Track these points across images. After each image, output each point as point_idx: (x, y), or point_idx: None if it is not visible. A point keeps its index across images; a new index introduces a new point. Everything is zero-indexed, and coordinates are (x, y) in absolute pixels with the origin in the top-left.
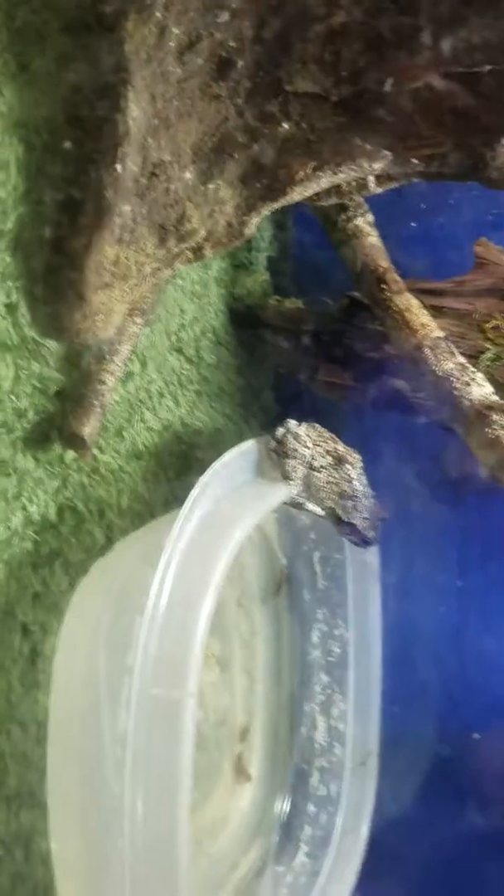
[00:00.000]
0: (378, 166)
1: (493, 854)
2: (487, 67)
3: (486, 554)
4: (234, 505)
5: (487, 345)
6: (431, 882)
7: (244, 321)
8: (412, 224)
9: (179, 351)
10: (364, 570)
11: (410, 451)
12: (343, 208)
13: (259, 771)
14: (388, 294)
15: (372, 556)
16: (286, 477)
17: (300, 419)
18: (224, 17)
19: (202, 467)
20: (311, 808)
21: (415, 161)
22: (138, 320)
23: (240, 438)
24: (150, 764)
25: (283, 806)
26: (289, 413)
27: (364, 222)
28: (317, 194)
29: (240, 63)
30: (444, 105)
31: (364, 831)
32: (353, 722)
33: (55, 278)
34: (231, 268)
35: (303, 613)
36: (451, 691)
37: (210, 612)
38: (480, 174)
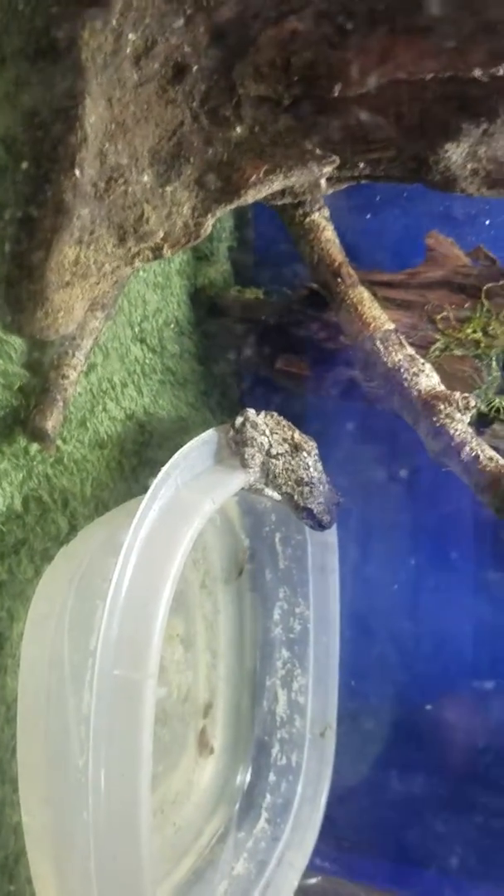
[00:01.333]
0: (327, 170)
1: (444, 818)
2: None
3: (438, 533)
4: (193, 492)
5: (437, 336)
6: (386, 845)
7: (206, 311)
8: (367, 216)
9: (142, 341)
10: (323, 550)
11: (366, 437)
12: (299, 204)
13: (222, 743)
14: (342, 287)
15: (331, 536)
16: (244, 465)
17: (261, 406)
18: (179, 22)
19: (165, 455)
20: (272, 777)
21: (362, 165)
22: (99, 315)
23: (203, 426)
24: (112, 741)
25: (244, 776)
26: (250, 400)
27: (320, 217)
28: (271, 194)
29: (194, 67)
30: (390, 110)
31: (322, 799)
32: (312, 695)
33: (17, 278)
34: (193, 259)
35: (265, 592)
36: (405, 665)
37: (169, 598)
38: (424, 177)
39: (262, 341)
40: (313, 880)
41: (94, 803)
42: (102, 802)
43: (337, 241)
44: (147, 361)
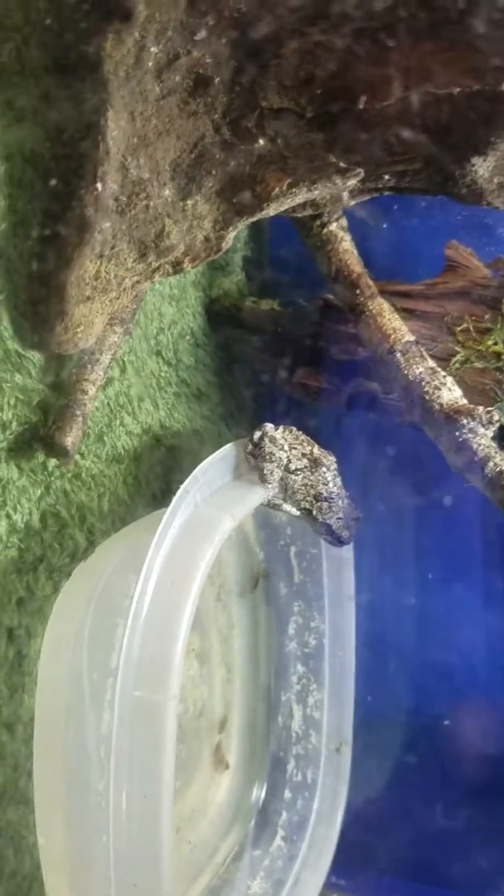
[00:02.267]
0: (351, 183)
1: (463, 836)
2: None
3: (455, 548)
4: (213, 509)
5: (457, 348)
6: (403, 865)
7: (221, 322)
8: (384, 225)
9: (158, 354)
10: (339, 565)
11: (384, 451)
12: (317, 214)
13: (237, 759)
14: (361, 299)
15: (346, 551)
16: (263, 480)
17: (277, 419)
18: (201, 34)
19: (181, 469)
20: (287, 794)
21: (387, 177)
22: (118, 330)
23: (218, 439)
24: (134, 764)
25: (260, 793)
26: (265, 412)
27: (338, 227)
28: (292, 207)
29: (216, 80)
30: (416, 123)
31: (339, 816)
32: (328, 710)
33: (37, 293)
34: (208, 269)
35: (279, 606)
36: (421, 680)
37: (191, 619)
38: (450, 190)
39: (278, 353)
40: None
41: (115, 827)
42: (123, 826)
43: (355, 251)
44: (163, 374)
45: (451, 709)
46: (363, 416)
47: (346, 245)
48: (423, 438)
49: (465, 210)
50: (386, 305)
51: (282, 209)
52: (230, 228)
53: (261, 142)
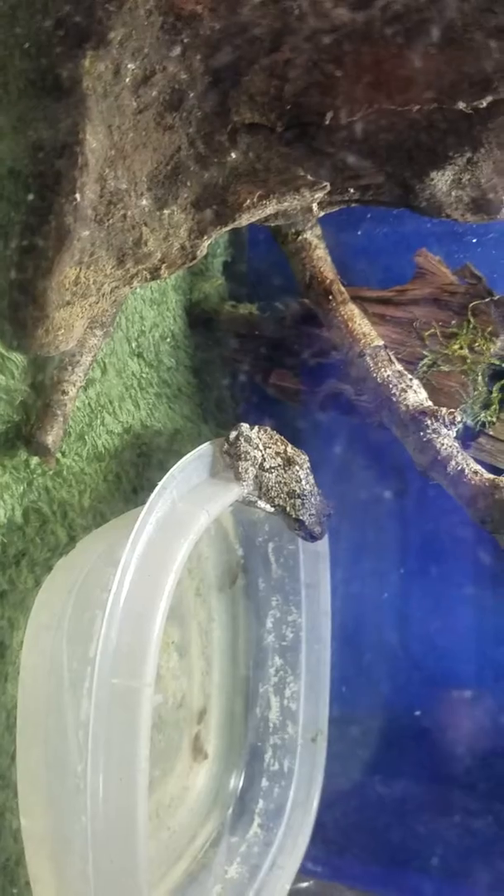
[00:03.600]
0: (318, 196)
1: (435, 822)
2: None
3: (426, 542)
4: (189, 505)
5: (425, 352)
6: (377, 851)
7: (201, 326)
8: (357, 233)
9: (139, 356)
10: (315, 560)
11: (357, 450)
12: (292, 222)
13: (216, 749)
14: (333, 304)
15: (322, 546)
16: (238, 478)
17: (254, 418)
18: (176, 51)
19: (161, 466)
20: (264, 782)
21: (352, 190)
22: (98, 333)
23: (198, 438)
24: (111, 747)
25: (238, 781)
26: (244, 413)
27: (312, 235)
28: (265, 217)
29: (191, 94)
30: (380, 138)
31: (314, 804)
32: (304, 701)
33: (19, 296)
34: (188, 274)
35: (258, 601)
36: (394, 671)
37: (166, 610)
38: (410, 203)
39: (256, 356)
40: (305, 884)
41: (93, 808)
42: (101, 807)
43: (328, 258)
44: (144, 375)
45: (424, 699)
46: (337, 416)
47: (320, 252)
48: (393, 438)
49: (434, 219)
50: (357, 311)
51: (254, 219)
52: (205, 237)
53: (233, 155)
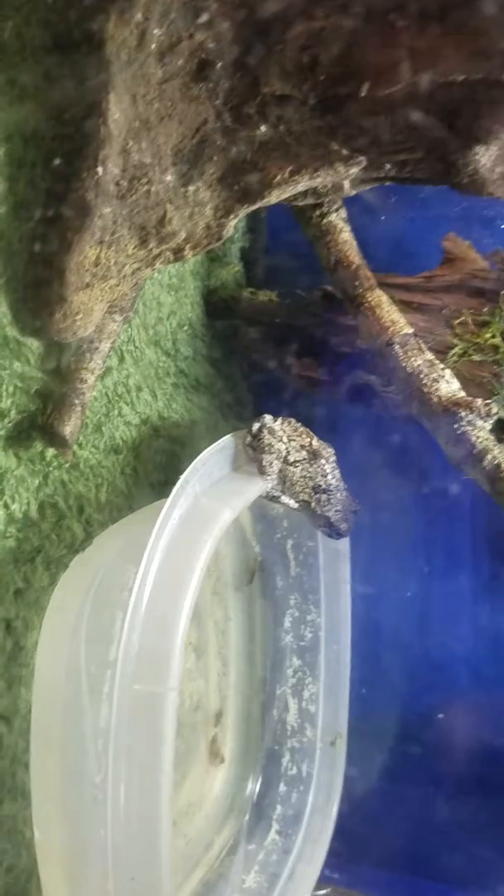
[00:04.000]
0: (353, 171)
1: (457, 829)
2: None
3: (451, 541)
4: (212, 501)
5: (455, 340)
6: (397, 859)
7: (219, 313)
8: (382, 217)
9: (157, 344)
10: (335, 557)
11: (379, 442)
12: (317, 205)
13: (232, 752)
14: (360, 290)
15: (343, 543)
16: (262, 472)
17: (273, 409)
18: (204, 17)
19: (179, 460)
20: (282, 787)
21: (388, 166)
22: (117, 318)
23: (215, 430)
24: (133, 757)
25: (255, 786)
26: (262, 403)
27: (338, 218)
28: (293, 196)
29: (218, 64)
30: (420, 110)
31: (333, 810)
32: (323, 704)
33: (36, 279)
34: (206, 259)
35: (275, 599)
36: (417, 673)
37: (190, 611)
38: (452, 180)
39: (276, 344)
40: (323, 892)
41: (114, 820)
42: (122, 820)
43: (354, 242)
44: (161, 365)
45: (446, 702)
46: (361, 407)
47: (346, 236)
48: (420, 430)
49: (463, 202)
50: (384, 297)
51: (283, 197)
52: (231, 216)
53: (263, 128)
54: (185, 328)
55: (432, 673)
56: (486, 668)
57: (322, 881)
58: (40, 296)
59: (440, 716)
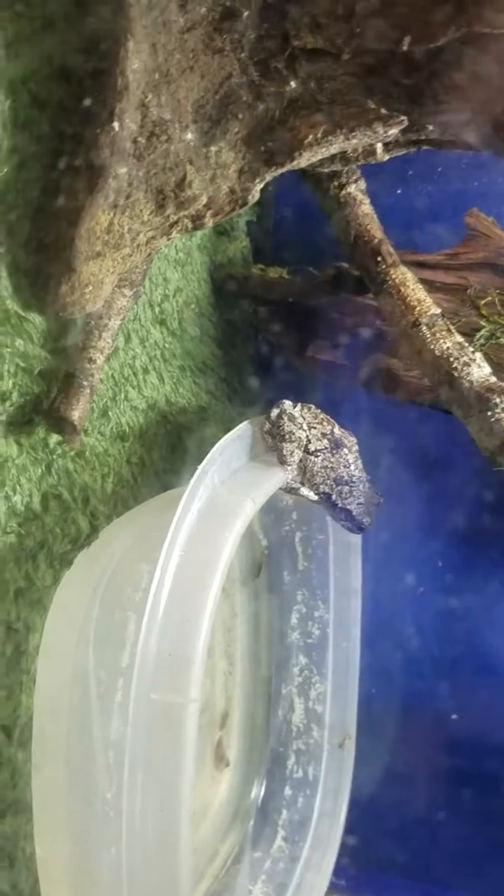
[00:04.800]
0: (393, 132)
1: (469, 835)
2: None
3: (468, 535)
4: (231, 493)
5: (482, 322)
6: (407, 865)
7: (227, 291)
8: (398, 191)
9: (163, 323)
10: (346, 551)
11: (399, 431)
12: (334, 174)
13: (237, 755)
14: (383, 267)
15: (354, 536)
16: (282, 461)
17: (283, 394)
18: None
19: (186, 447)
20: (287, 791)
21: (430, 127)
22: (127, 293)
23: (223, 415)
24: (150, 772)
25: (259, 790)
26: (271, 388)
27: (357, 190)
28: (321, 160)
29: (244, 13)
30: (466, 68)
31: (342, 815)
32: (331, 704)
33: (41, 246)
34: (213, 233)
35: (282, 595)
36: (429, 672)
37: (213, 613)
38: (499, 145)
39: (288, 325)
40: None
41: (129, 839)
42: (138, 838)
43: (375, 216)
44: (167, 346)
45: (458, 703)
46: (380, 393)
47: (366, 209)
48: (442, 418)
49: (483, 176)
50: (409, 275)
51: (314, 159)
52: (257, 180)
53: (292, 84)
54: (192, 306)
55: (446, 672)
56: (502, 668)
57: (329, 888)
58: (46, 266)
59: (454, 717)
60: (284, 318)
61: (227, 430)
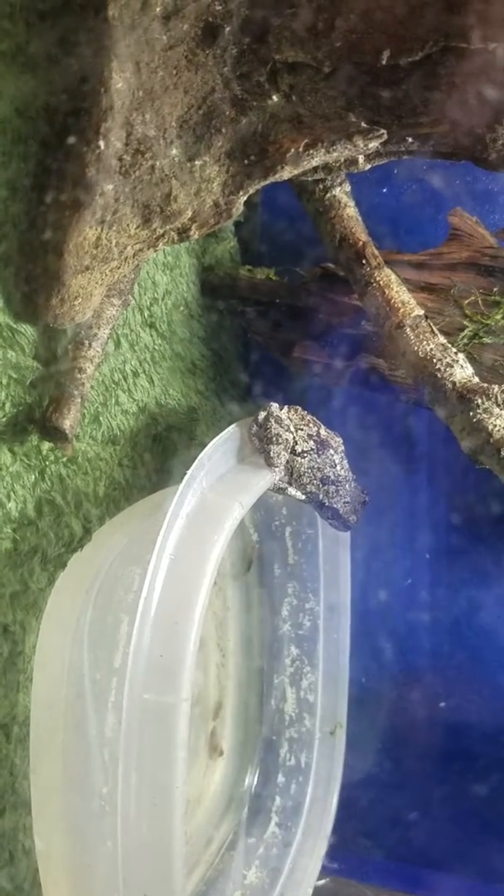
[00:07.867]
0: (373, 145)
1: (456, 818)
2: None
3: (454, 529)
4: (220, 496)
5: (465, 322)
6: (397, 848)
7: (216, 292)
8: (383, 190)
9: (152, 326)
10: (335, 545)
11: (384, 430)
12: (320, 178)
13: (230, 745)
14: (368, 269)
15: None
16: (270, 463)
17: (271, 394)
18: None
19: (176, 449)
20: (280, 778)
21: (410, 140)
22: (116, 302)
23: (213, 416)
24: (144, 769)
25: (253, 778)
26: (259, 387)
27: (342, 192)
28: (304, 171)
29: (226, 29)
30: (444, 82)
31: (333, 800)
32: (322, 693)
33: (31, 260)
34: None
35: (273, 588)
36: (417, 661)
37: (203, 615)
38: (479, 156)
39: (275, 325)
40: (322, 882)
41: (124, 834)
42: (132, 834)
43: (360, 218)
44: (157, 348)
45: (448, 690)
46: (366, 393)
47: (351, 211)
48: (425, 417)
49: (467, 175)
50: (393, 277)
51: (297, 172)
52: (241, 192)
53: (274, 98)
54: (181, 308)
55: (434, 661)
56: (488, 656)
57: (321, 871)
58: (36, 280)
59: (441, 704)
60: (272, 319)
61: (217, 427)
